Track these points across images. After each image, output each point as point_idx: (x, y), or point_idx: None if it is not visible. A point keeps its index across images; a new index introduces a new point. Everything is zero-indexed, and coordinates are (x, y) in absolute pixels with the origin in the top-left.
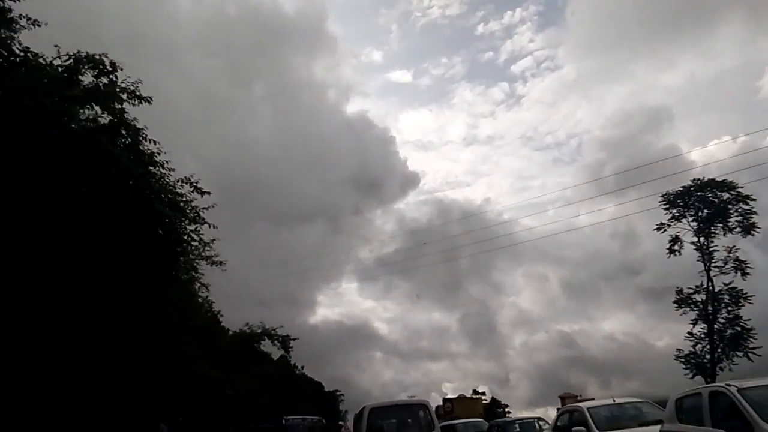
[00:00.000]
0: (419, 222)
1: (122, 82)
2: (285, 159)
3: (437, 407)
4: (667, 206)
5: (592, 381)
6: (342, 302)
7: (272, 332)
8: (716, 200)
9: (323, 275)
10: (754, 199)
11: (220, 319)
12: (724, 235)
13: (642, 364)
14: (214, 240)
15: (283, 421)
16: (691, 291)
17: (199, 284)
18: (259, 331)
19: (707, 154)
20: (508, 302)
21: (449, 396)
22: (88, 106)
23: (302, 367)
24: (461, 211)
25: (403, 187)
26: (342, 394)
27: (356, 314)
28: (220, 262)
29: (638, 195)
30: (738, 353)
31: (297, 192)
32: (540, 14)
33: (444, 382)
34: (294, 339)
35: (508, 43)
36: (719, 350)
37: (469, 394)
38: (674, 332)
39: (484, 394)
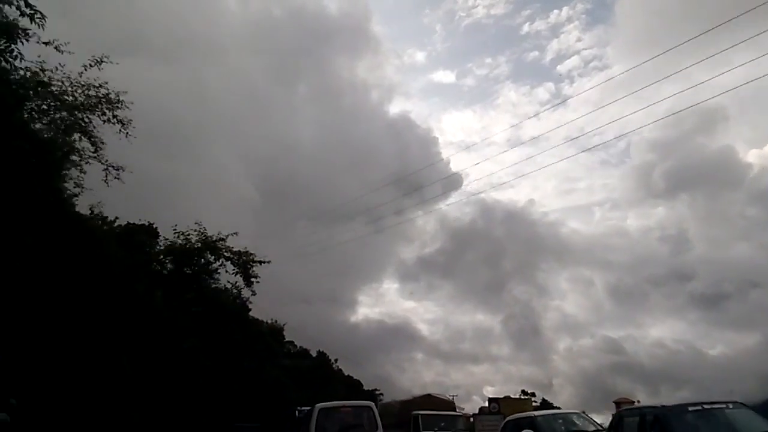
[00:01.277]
0: (462, 222)
1: None
2: (327, 158)
3: (482, 408)
4: None
5: (640, 388)
6: (383, 302)
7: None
8: None
9: (364, 275)
10: None
11: (249, 306)
12: None
13: (693, 372)
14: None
15: (296, 413)
16: None
17: None
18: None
19: (765, 156)
20: (552, 306)
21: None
22: None
23: (336, 360)
24: (504, 213)
25: (445, 188)
26: (381, 394)
27: (397, 314)
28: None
29: (690, 198)
30: None
31: (339, 191)
32: (588, 12)
33: (486, 385)
34: (266, 262)
35: (554, 43)
36: None
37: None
38: (728, 340)
39: (533, 395)
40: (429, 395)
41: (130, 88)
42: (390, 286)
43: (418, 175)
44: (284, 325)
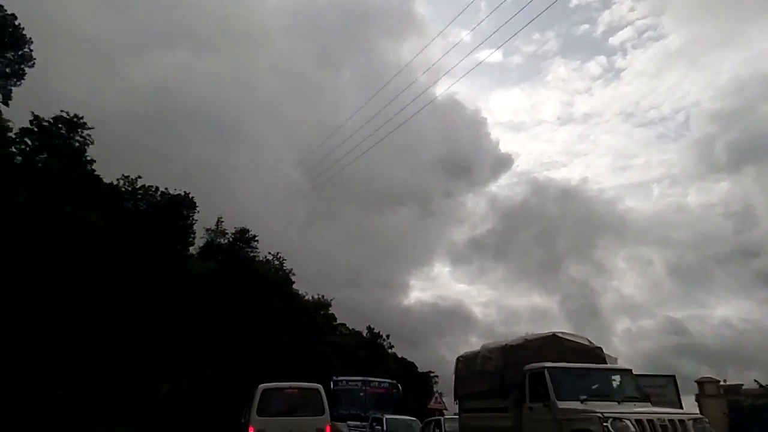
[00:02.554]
0: (513, 202)
1: None
2: (375, 143)
3: None
4: None
5: (705, 370)
6: (435, 285)
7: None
8: None
9: (415, 259)
10: None
11: (293, 279)
12: None
13: (763, 353)
14: None
15: (332, 384)
16: None
17: None
18: None
19: None
20: (610, 286)
21: None
22: None
23: (388, 337)
24: (557, 191)
25: (494, 169)
26: (436, 376)
27: (450, 297)
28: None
29: (756, 171)
30: None
31: (387, 176)
32: None
33: None
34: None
35: (605, 14)
36: None
37: None
38: None
39: None
40: (555, 336)
41: (179, 78)
42: (441, 269)
43: (467, 156)
44: (332, 300)
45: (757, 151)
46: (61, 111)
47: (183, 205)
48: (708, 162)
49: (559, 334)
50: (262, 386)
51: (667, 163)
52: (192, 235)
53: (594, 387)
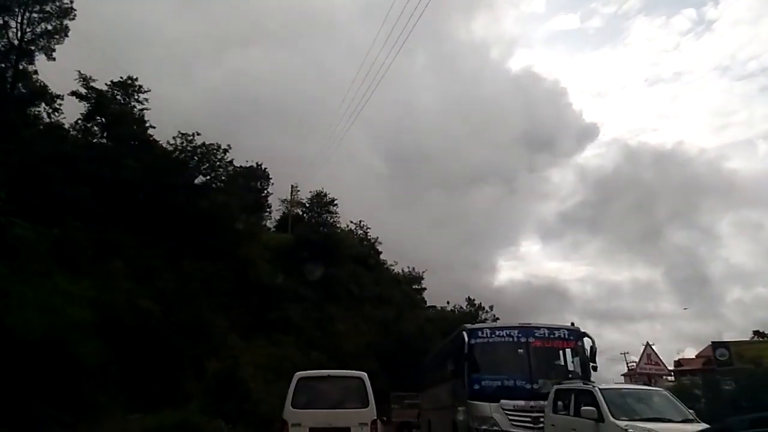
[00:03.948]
0: (604, 172)
1: None
2: (453, 124)
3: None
4: None
5: None
6: (526, 263)
7: None
8: None
9: (503, 237)
10: None
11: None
12: None
13: None
14: None
15: (466, 338)
16: None
17: None
18: None
19: None
20: (716, 254)
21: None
22: None
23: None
24: (652, 157)
25: (580, 139)
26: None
27: (543, 275)
28: None
29: None
30: None
31: (468, 156)
32: None
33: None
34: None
35: None
36: None
37: (675, 356)
38: None
39: None
40: None
41: (255, 75)
42: (531, 247)
43: (550, 129)
44: (424, 272)
45: None
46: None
47: (256, 177)
48: None
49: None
50: (298, 374)
51: None
52: (268, 209)
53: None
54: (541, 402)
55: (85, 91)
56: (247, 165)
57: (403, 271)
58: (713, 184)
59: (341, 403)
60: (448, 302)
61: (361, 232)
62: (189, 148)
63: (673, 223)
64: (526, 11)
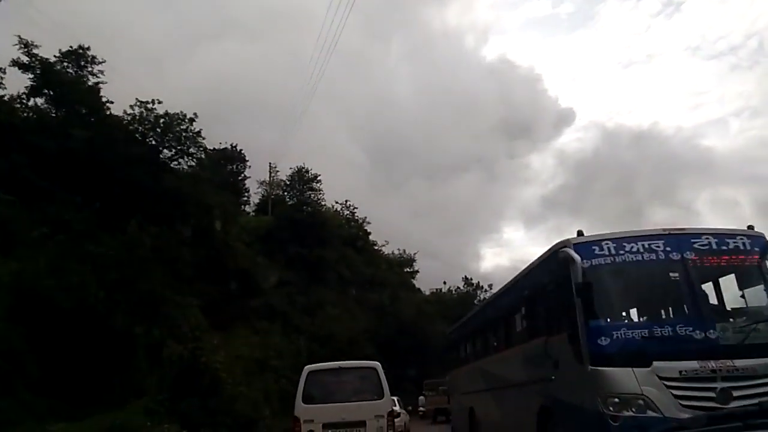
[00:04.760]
0: (583, 154)
1: None
2: (431, 113)
3: None
4: None
5: None
6: (510, 249)
7: None
8: None
9: (486, 224)
10: None
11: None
12: None
13: None
14: None
15: (577, 263)
16: None
17: None
18: None
19: None
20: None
21: None
22: None
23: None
24: (629, 137)
25: (557, 124)
26: None
27: (529, 259)
28: None
29: None
30: None
31: (447, 144)
32: None
33: None
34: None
35: None
36: None
37: None
38: None
39: None
40: None
41: (229, 69)
42: (515, 233)
43: (527, 115)
44: (416, 254)
45: None
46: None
47: (231, 159)
48: None
49: None
50: (307, 368)
51: (745, 94)
52: (245, 193)
53: None
54: (730, 363)
55: (28, 59)
56: (221, 147)
57: (393, 253)
58: (691, 162)
59: (355, 396)
60: (444, 282)
61: (348, 212)
62: (150, 118)
63: (653, 201)
64: None
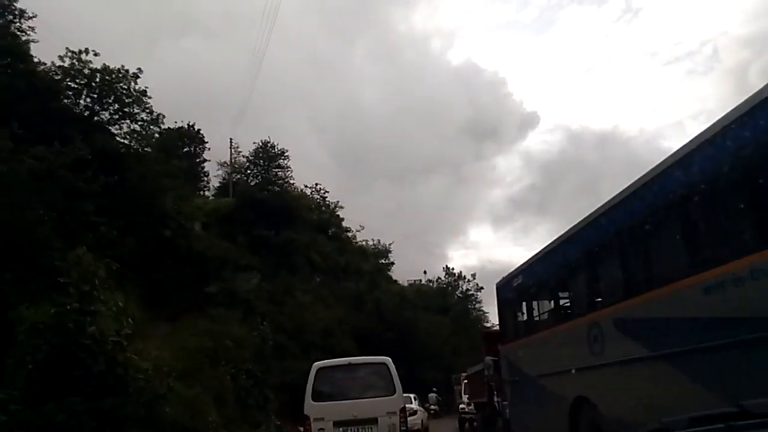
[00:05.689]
0: (549, 155)
1: None
2: (397, 116)
3: None
4: None
5: None
6: (479, 250)
7: None
8: None
9: (454, 225)
10: None
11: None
12: None
13: None
14: None
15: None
16: None
17: None
18: None
19: None
20: None
21: None
22: None
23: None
24: (593, 140)
25: (522, 126)
26: None
27: (497, 259)
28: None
29: None
30: None
31: (414, 147)
32: None
33: None
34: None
35: None
36: None
37: None
38: None
39: None
40: None
41: (189, 67)
42: (483, 234)
43: (493, 118)
44: (391, 244)
45: None
46: None
47: (188, 139)
48: (744, 90)
49: None
50: (316, 365)
51: (700, 97)
52: (204, 176)
53: None
54: None
55: None
56: (177, 126)
57: (367, 243)
58: (652, 162)
59: (365, 393)
60: (425, 272)
61: (318, 197)
62: (85, 71)
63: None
64: (464, 3)
